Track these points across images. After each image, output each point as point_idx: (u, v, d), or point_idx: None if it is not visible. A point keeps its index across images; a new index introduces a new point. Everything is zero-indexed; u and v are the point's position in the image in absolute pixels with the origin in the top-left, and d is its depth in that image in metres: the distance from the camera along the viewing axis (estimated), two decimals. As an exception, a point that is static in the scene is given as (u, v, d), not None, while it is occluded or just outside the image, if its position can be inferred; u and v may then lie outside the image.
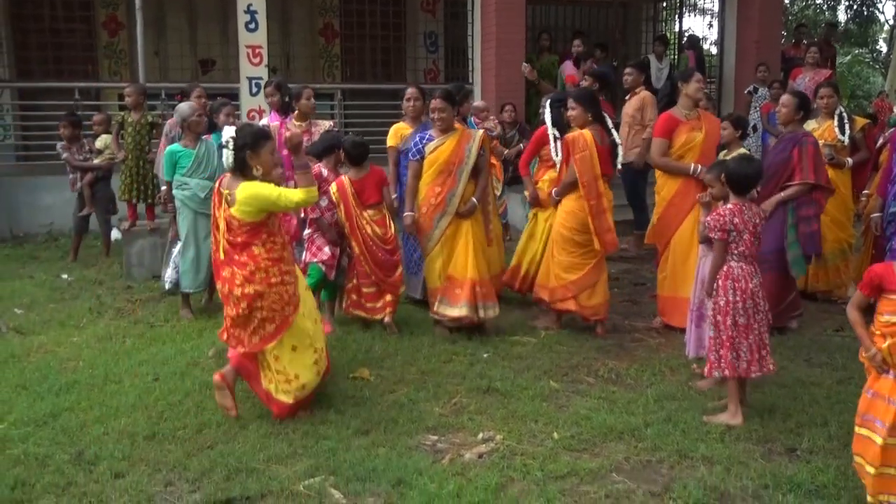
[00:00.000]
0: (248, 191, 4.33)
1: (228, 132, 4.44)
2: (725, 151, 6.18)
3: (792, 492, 3.74)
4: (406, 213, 6.10)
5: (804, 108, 6.45)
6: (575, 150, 6.04)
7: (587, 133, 6.06)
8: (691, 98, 6.21)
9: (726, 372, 4.45)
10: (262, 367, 4.53)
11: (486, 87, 11.15)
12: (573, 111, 6.17)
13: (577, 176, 5.99)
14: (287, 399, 4.48)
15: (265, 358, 4.51)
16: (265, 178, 4.46)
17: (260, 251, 4.39)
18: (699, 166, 6.03)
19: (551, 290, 6.24)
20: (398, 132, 6.85)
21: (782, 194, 6.07)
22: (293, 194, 4.36)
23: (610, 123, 6.33)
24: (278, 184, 4.59)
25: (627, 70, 9.03)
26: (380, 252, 6.03)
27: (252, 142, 4.41)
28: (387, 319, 6.10)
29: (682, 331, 5.69)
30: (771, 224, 6.14)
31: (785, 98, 6.41)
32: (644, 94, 8.90)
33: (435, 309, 6.08)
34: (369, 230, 6.01)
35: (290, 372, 4.47)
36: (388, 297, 6.15)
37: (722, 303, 4.49)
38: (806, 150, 6.10)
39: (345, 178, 6.05)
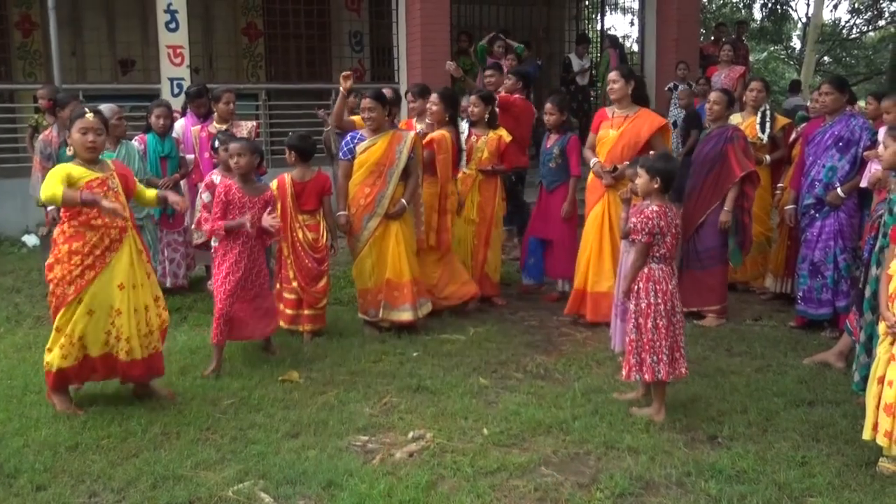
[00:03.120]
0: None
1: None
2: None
3: (713, 478, 3.85)
4: (339, 213, 6.05)
5: (732, 105, 6.82)
6: (439, 151, 6.34)
7: (446, 135, 6.35)
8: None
9: (646, 376, 4.48)
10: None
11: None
12: (434, 107, 6.54)
13: (438, 173, 6.37)
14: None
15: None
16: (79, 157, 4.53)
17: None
18: (596, 160, 6.24)
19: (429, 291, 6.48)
20: None
21: (732, 195, 6.32)
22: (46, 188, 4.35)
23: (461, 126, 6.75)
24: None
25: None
26: (307, 258, 5.94)
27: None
28: (305, 338, 6.00)
29: (607, 325, 5.79)
30: (710, 219, 6.35)
31: (716, 95, 6.65)
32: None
33: (380, 315, 6.06)
34: (300, 234, 5.92)
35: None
36: (307, 311, 6.02)
37: (643, 305, 4.50)
38: (738, 145, 6.40)
39: (286, 177, 5.94)
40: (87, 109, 4.58)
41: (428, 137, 6.43)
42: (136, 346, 4.60)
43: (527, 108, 7.99)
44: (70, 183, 4.36)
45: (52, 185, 4.31)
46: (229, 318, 5.27)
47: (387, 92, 6.42)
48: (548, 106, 7.06)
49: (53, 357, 4.56)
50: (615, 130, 6.21)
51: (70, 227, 4.48)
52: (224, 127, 6.89)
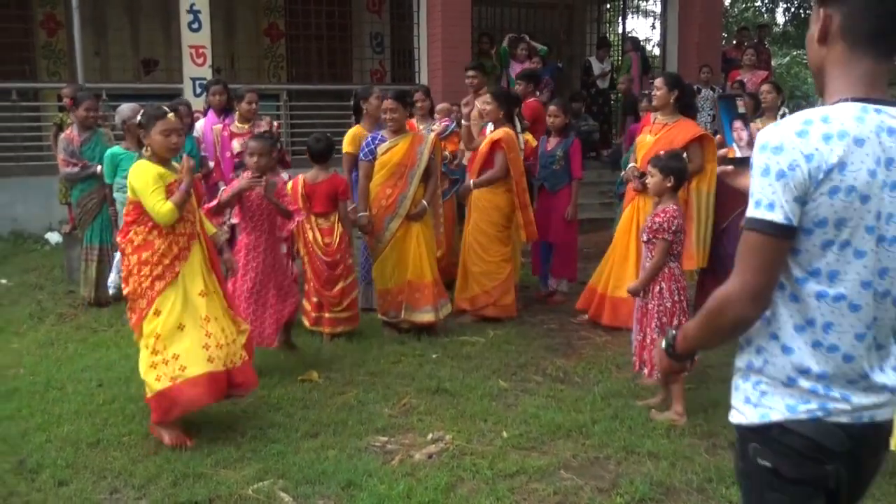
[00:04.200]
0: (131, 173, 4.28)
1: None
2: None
3: (735, 484, 3.81)
4: (361, 214, 6.01)
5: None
6: (509, 150, 6.31)
7: (511, 132, 6.38)
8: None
9: None
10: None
11: (433, 87, 11.11)
12: (488, 106, 6.51)
13: (511, 172, 6.37)
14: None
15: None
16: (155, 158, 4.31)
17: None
18: (631, 165, 6.24)
19: (472, 299, 6.53)
20: (356, 137, 6.55)
21: None
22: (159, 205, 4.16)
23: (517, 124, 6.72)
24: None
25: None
26: (317, 261, 5.93)
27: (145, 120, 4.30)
28: (325, 339, 5.99)
29: (626, 329, 5.75)
30: (734, 224, 6.30)
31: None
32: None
33: (402, 316, 6.07)
34: (310, 236, 5.92)
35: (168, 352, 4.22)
36: (326, 314, 6.00)
37: (668, 304, 4.53)
38: None
39: (300, 179, 5.96)
40: (167, 109, 4.32)
41: (492, 138, 6.43)
42: (239, 350, 4.40)
43: (540, 110, 7.99)
44: (162, 181, 4.17)
45: (158, 203, 4.12)
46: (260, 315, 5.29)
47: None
48: (552, 108, 7.10)
49: (148, 377, 4.20)
50: (652, 136, 6.20)
51: (137, 234, 4.24)
52: (246, 127, 6.91)
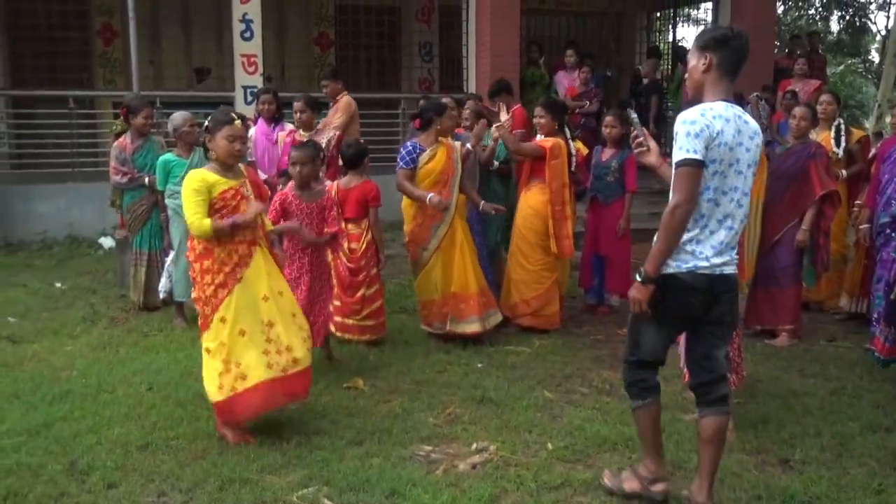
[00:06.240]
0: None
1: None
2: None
3: (785, 503, 3.74)
4: (429, 197, 5.86)
5: (815, 120, 6.73)
6: (552, 156, 6.29)
7: (561, 141, 6.35)
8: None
9: None
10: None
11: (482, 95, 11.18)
12: (541, 119, 6.46)
13: (547, 181, 6.33)
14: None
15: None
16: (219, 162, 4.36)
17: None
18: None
19: (512, 307, 6.50)
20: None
21: (811, 214, 6.21)
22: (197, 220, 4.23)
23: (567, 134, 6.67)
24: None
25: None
26: (341, 266, 5.96)
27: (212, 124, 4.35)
28: (362, 347, 6.01)
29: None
30: (787, 236, 6.20)
31: (802, 111, 6.46)
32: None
33: (447, 328, 6.06)
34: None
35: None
36: (349, 321, 5.99)
37: None
38: (821, 163, 6.27)
39: (334, 185, 6.02)
40: (234, 115, 4.37)
41: (542, 143, 6.44)
42: (301, 355, 4.43)
43: (525, 116, 8.10)
44: (208, 192, 4.23)
45: (195, 216, 4.20)
46: None
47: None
48: (608, 119, 7.01)
49: (210, 385, 4.32)
50: None
51: (199, 242, 4.31)
52: (308, 135, 6.96)
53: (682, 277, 3.42)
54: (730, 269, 3.48)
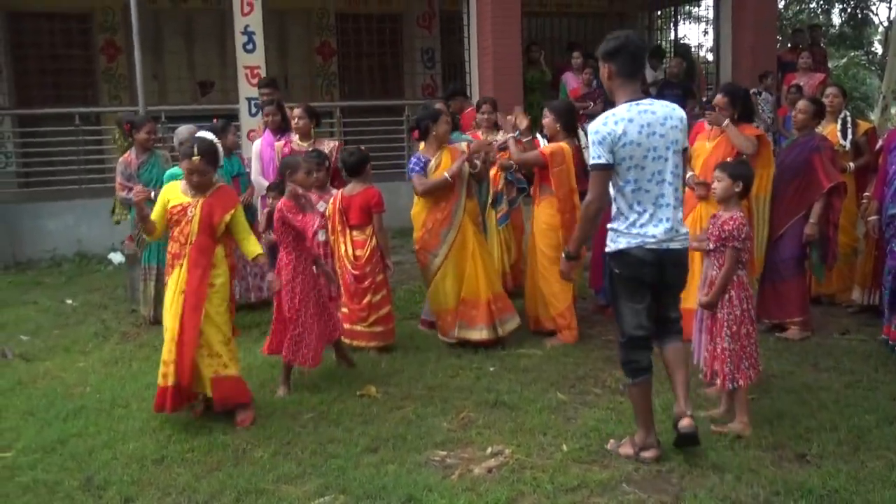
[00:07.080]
0: None
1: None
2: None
3: (803, 498, 3.72)
4: (448, 172, 5.92)
5: (820, 115, 6.61)
6: (553, 164, 6.11)
7: (565, 146, 6.15)
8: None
9: (740, 382, 4.43)
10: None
11: (485, 100, 11.18)
12: (545, 119, 6.33)
13: (553, 189, 6.14)
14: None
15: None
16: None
17: None
18: (691, 173, 6.04)
19: (543, 320, 6.39)
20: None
21: (819, 207, 6.17)
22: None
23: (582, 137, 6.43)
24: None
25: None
26: (346, 273, 5.98)
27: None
28: (372, 353, 6.00)
29: (688, 340, 5.65)
30: (792, 229, 6.18)
31: (803, 104, 6.46)
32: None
33: (455, 334, 6.05)
34: (342, 249, 5.99)
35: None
36: (357, 327, 6.00)
37: (738, 313, 4.46)
38: (825, 155, 6.24)
39: (338, 193, 6.05)
40: (195, 150, 4.67)
41: (542, 151, 6.28)
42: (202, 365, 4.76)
43: (473, 118, 7.93)
44: (166, 202, 4.86)
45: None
46: (300, 336, 5.23)
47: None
48: None
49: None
50: (710, 142, 6.11)
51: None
52: (306, 144, 6.91)
53: (633, 252, 4.00)
54: (676, 245, 4.04)
